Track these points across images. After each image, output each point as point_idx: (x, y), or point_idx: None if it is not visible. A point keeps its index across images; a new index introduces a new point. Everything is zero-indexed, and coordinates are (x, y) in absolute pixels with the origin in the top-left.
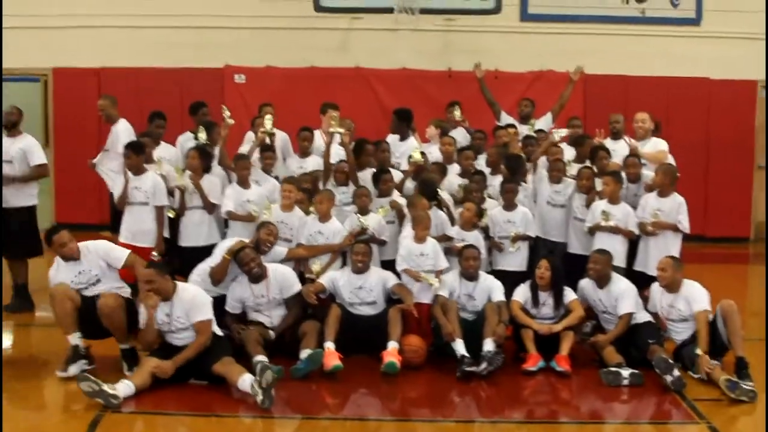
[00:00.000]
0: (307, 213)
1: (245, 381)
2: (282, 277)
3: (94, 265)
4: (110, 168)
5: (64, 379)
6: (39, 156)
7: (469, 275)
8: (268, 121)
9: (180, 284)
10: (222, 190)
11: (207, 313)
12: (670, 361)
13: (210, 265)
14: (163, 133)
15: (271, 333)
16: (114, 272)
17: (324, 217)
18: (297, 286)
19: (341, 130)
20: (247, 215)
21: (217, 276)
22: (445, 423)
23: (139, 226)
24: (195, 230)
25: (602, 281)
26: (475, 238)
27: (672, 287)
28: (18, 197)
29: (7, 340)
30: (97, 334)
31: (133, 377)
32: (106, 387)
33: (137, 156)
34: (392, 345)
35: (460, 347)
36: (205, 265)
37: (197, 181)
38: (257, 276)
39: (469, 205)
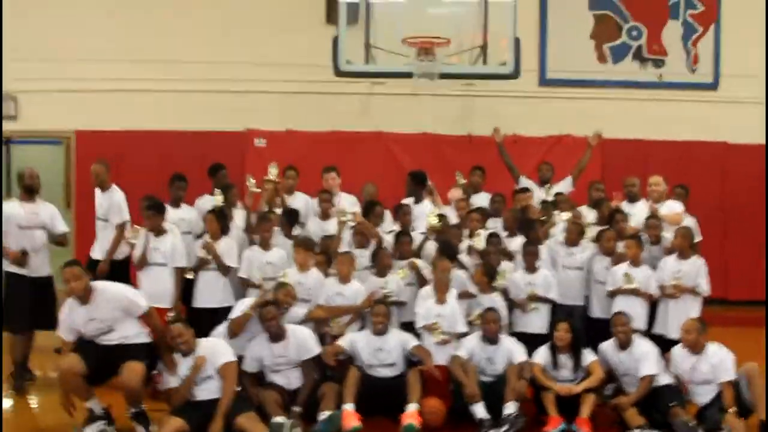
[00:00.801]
0: (326, 275)
1: None
2: (302, 339)
3: (108, 315)
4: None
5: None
6: (62, 223)
7: (490, 338)
8: (272, 169)
9: (199, 339)
10: (239, 251)
11: (231, 356)
12: (692, 423)
13: (230, 319)
14: (183, 195)
15: (296, 408)
16: (132, 318)
17: (344, 279)
18: (316, 349)
19: (350, 216)
20: (258, 282)
21: (235, 329)
22: None
23: (157, 287)
24: (209, 292)
25: (625, 344)
26: (491, 301)
27: (695, 349)
28: (45, 265)
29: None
30: (102, 379)
31: None
32: None
33: (158, 216)
34: (412, 407)
35: (480, 410)
36: (222, 327)
37: (212, 246)
38: (276, 334)
39: (477, 268)
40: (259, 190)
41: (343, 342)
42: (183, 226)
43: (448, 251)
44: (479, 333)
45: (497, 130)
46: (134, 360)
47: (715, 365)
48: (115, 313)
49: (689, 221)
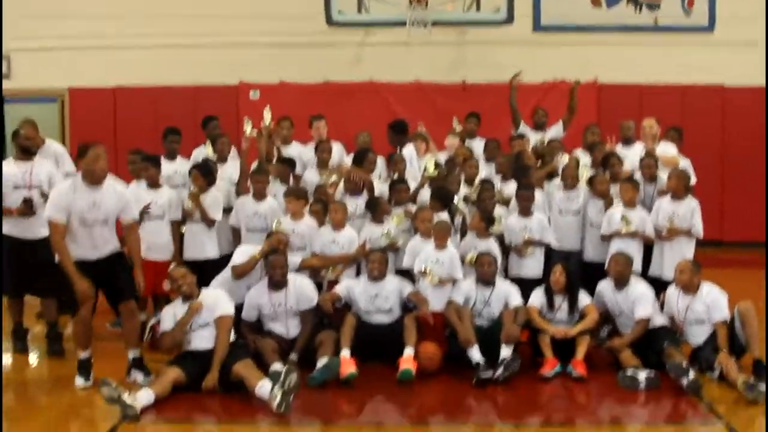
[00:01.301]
0: (323, 224)
1: (264, 386)
2: (301, 288)
3: (111, 207)
4: None
5: (82, 388)
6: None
7: (485, 281)
8: (267, 114)
9: (204, 291)
10: (227, 201)
11: (230, 310)
12: (685, 364)
13: (233, 264)
14: (177, 148)
15: (293, 356)
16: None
17: (338, 227)
18: (315, 299)
19: (334, 178)
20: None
21: (238, 273)
22: (462, 428)
23: (155, 240)
24: (194, 244)
25: (621, 283)
26: (487, 246)
27: (689, 290)
28: (39, 228)
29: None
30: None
31: (154, 385)
32: (125, 397)
33: (155, 169)
34: (408, 352)
35: (475, 354)
36: (223, 276)
37: (197, 200)
38: (279, 283)
39: (474, 213)
40: (255, 132)
41: (339, 289)
42: (177, 179)
43: (442, 198)
44: (474, 277)
45: (518, 74)
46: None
47: (709, 305)
48: (115, 207)
49: (684, 163)
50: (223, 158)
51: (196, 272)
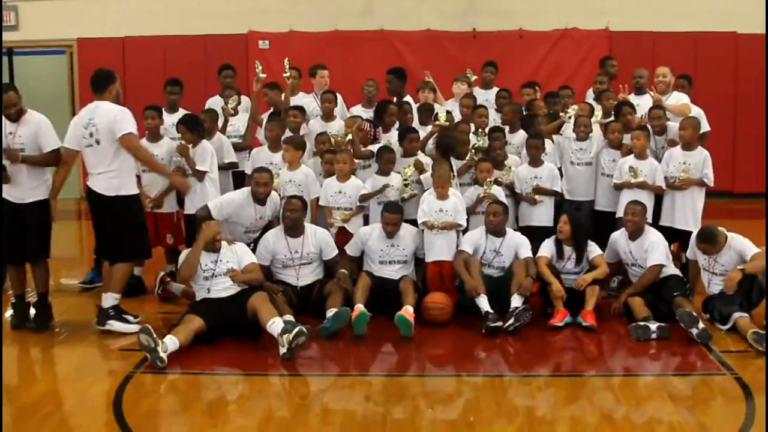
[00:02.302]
0: (330, 174)
1: (275, 325)
2: (322, 239)
3: (104, 128)
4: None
5: (97, 336)
6: (52, 140)
7: (495, 231)
8: (258, 66)
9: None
10: (224, 153)
11: (254, 258)
12: (695, 314)
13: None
14: (177, 99)
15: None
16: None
17: (344, 177)
18: (335, 251)
19: (349, 137)
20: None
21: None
22: (472, 378)
23: (158, 192)
24: (188, 197)
25: (636, 233)
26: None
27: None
28: (28, 191)
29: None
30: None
31: (178, 334)
32: (159, 348)
33: (157, 120)
34: (405, 308)
35: (484, 303)
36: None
37: (185, 153)
38: (295, 229)
39: (484, 165)
40: (264, 76)
41: (353, 240)
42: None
43: (444, 146)
44: (483, 227)
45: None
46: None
47: (741, 254)
48: (107, 126)
49: (696, 111)
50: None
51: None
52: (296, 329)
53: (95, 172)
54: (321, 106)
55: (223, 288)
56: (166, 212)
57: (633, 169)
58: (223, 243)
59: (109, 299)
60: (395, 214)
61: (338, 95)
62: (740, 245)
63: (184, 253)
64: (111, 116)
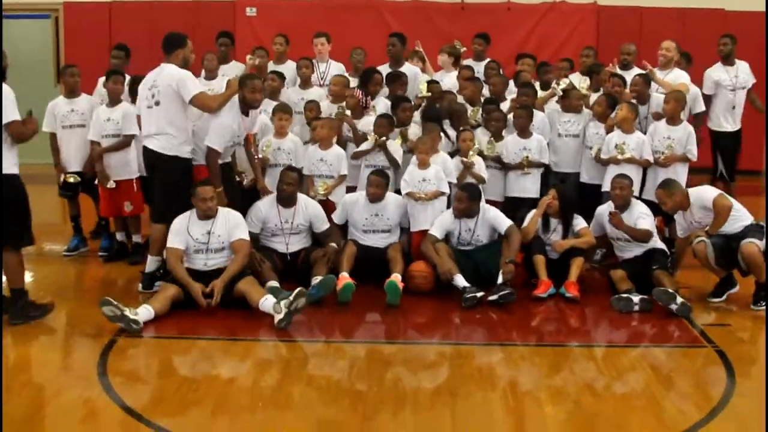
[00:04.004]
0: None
1: (267, 300)
2: (313, 213)
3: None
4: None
5: (76, 305)
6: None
7: (464, 215)
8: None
9: (223, 209)
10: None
11: (246, 234)
12: (671, 290)
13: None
14: (120, 64)
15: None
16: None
17: (325, 145)
18: (326, 224)
19: (348, 112)
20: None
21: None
22: (456, 346)
23: (113, 159)
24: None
25: (623, 207)
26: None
27: (675, 208)
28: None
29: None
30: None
31: (153, 302)
32: (128, 312)
33: (117, 85)
34: (395, 275)
35: (460, 281)
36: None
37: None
38: (289, 199)
39: (466, 134)
40: (254, 62)
41: (338, 209)
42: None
43: (431, 116)
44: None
45: None
46: None
47: (703, 203)
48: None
49: (693, 91)
50: (209, 73)
51: None
52: (296, 291)
53: (152, 132)
54: (298, 72)
55: (211, 263)
56: (124, 179)
57: (619, 146)
58: (219, 210)
59: (153, 263)
60: (380, 177)
61: (338, 64)
62: (700, 197)
63: (181, 226)
64: (173, 79)
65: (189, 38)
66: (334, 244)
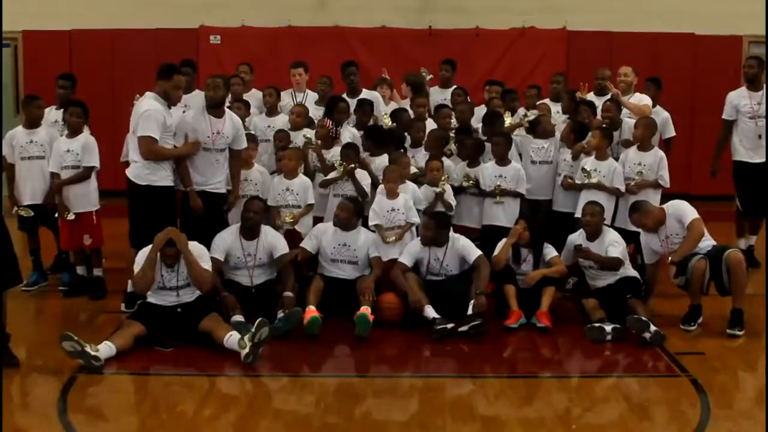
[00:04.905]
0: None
1: (232, 337)
2: (273, 240)
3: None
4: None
5: (36, 341)
6: None
7: (431, 243)
8: None
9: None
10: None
11: (209, 265)
12: (644, 318)
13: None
14: (67, 94)
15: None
16: None
17: (291, 174)
18: (284, 250)
19: (311, 137)
20: None
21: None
22: (426, 379)
23: (74, 192)
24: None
25: (594, 234)
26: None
27: (656, 225)
28: None
29: None
30: None
31: (115, 338)
32: (88, 348)
33: (77, 118)
34: (364, 307)
35: (430, 312)
36: None
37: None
38: (252, 231)
39: (433, 164)
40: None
41: (308, 239)
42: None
43: (394, 142)
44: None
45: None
46: None
47: (678, 218)
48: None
49: (663, 117)
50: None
51: None
52: (257, 321)
53: (130, 159)
54: (263, 100)
55: (179, 300)
56: (84, 212)
57: (585, 171)
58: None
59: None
60: (349, 202)
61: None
62: (676, 208)
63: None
64: (138, 110)
65: (178, 72)
66: (290, 294)
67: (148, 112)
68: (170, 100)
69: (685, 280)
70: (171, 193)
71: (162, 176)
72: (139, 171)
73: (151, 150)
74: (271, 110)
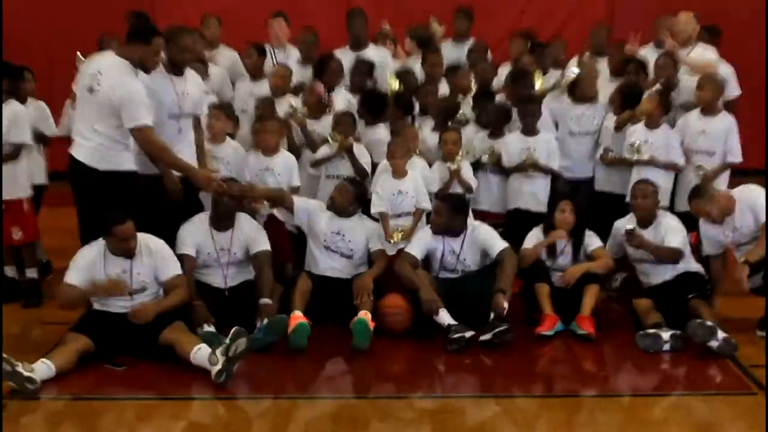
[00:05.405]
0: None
1: (201, 350)
2: (250, 230)
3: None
4: None
5: None
6: None
7: (444, 232)
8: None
9: (142, 235)
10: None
11: (179, 267)
12: (710, 323)
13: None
14: None
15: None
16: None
17: (270, 151)
18: (263, 246)
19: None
20: None
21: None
22: (442, 400)
23: (4, 174)
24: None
25: (646, 220)
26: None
27: (723, 215)
28: None
29: None
30: None
31: (54, 356)
32: (21, 368)
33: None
34: (363, 312)
35: (445, 317)
36: None
37: None
38: (225, 220)
39: (449, 136)
40: None
41: (299, 204)
42: None
43: (404, 107)
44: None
45: None
46: None
47: (752, 210)
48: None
49: (723, 71)
50: None
51: None
52: (233, 331)
53: (76, 135)
54: (243, 61)
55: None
56: (12, 199)
57: (633, 145)
58: (141, 244)
59: None
60: (348, 184)
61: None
62: (750, 198)
63: (86, 259)
64: (119, 88)
65: (161, 37)
66: (266, 300)
67: (138, 96)
68: (146, 69)
69: (763, 282)
70: (135, 179)
71: (126, 158)
72: (96, 152)
73: (152, 142)
74: (255, 73)
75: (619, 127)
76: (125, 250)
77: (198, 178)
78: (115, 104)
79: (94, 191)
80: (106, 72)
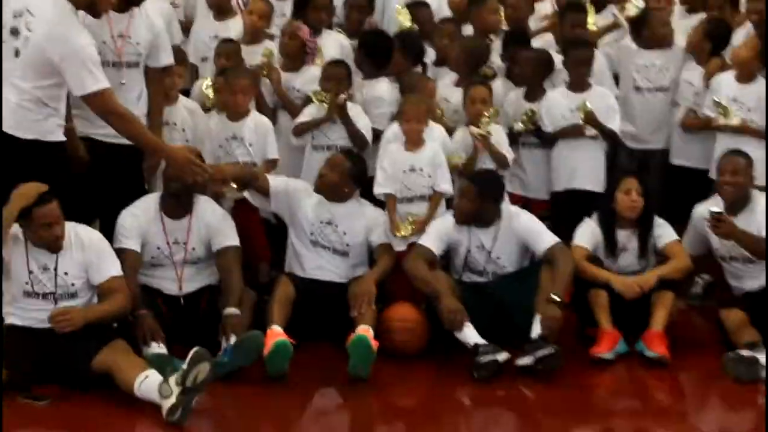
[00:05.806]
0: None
1: (149, 378)
2: (213, 218)
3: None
4: None
5: None
6: None
7: (473, 221)
8: None
9: (71, 224)
10: None
11: (119, 266)
12: None
13: None
14: None
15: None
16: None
17: (238, 115)
18: (232, 239)
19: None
20: None
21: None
22: None
23: None
24: None
25: (737, 204)
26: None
27: None
28: None
29: None
30: None
31: None
32: None
33: None
34: (363, 327)
35: (471, 334)
36: None
37: None
38: (178, 199)
39: (477, 92)
40: None
41: (277, 183)
42: None
43: (411, 52)
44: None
45: None
46: None
47: None
48: None
49: None
50: None
51: None
52: (192, 352)
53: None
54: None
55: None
56: None
57: (718, 103)
58: (69, 239)
59: None
60: (343, 157)
61: None
62: None
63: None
64: (58, 39)
65: None
66: (233, 310)
67: (86, 50)
68: (95, 12)
69: None
70: (63, 152)
71: (54, 125)
72: (16, 115)
73: (113, 110)
74: (220, 10)
75: (710, 78)
76: (48, 240)
77: (173, 161)
78: (54, 61)
79: (11, 165)
80: (37, 12)
